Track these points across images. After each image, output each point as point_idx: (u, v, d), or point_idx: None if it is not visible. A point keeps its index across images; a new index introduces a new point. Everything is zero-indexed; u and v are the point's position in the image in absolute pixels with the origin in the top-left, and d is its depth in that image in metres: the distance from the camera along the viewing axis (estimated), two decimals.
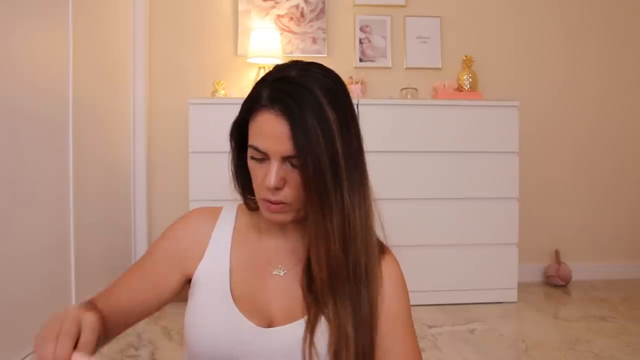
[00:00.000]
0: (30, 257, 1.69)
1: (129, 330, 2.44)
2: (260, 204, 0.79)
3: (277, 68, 0.80)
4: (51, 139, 1.85)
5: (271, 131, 0.73)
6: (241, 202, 0.89)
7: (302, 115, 0.72)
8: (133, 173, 2.77)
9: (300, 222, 0.83)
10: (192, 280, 0.85)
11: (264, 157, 0.76)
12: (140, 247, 2.79)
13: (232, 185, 0.86)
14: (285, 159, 0.74)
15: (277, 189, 0.75)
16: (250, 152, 0.77)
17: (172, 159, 2.89)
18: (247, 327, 0.79)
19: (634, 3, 3.15)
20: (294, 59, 0.82)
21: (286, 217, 0.79)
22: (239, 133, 0.81)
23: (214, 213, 0.90)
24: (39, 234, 1.75)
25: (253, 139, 0.76)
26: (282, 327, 0.80)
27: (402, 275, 0.88)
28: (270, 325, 0.80)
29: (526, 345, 2.04)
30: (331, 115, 0.74)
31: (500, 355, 1.96)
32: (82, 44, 2.08)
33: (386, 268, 0.85)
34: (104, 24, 2.41)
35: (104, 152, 2.39)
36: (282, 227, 0.85)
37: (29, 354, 1.64)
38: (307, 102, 0.73)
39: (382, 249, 0.87)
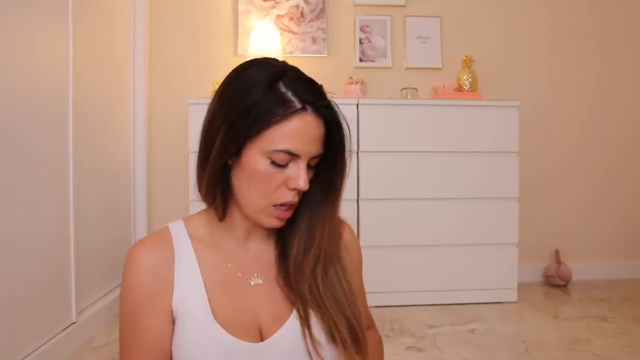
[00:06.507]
0: (30, 257, 1.69)
1: None
2: (267, 211, 0.77)
3: (271, 62, 0.78)
4: (51, 139, 1.85)
5: (309, 134, 0.74)
6: (176, 220, 0.84)
7: (337, 117, 0.78)
8: (133, 173, 2.77)
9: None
10: (172, 314, 0.77)
11: (289, 161, 0.75)
12: None
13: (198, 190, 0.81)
14: (310, 159, 0.77)
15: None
16: (275, 157, 0.73)
17: (172, 159, 2.89)
18: (242, 348, 0.75)
19: (634, 4, 3.16)
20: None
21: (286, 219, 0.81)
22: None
23: (161, 238, 0.80)
24: (39, 234, 1.75)
25: (283, 143, 0.73)
26: (276, 333, 0.77)
27: (357, 239, 0.94)
28: (263, 335, 0.77)
29: (526, 345, 2.04)
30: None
31: (500, 355, 1.96)
32: (82, 44, 2.08)
33: (347, 237, 0.89)
34: (104, 24, 2.41)
35: (103, 152, 2.39)
36: (245, 236, 0.83)
37: (29, 354, 1.64)
38: (332, 102, 0.78)
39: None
